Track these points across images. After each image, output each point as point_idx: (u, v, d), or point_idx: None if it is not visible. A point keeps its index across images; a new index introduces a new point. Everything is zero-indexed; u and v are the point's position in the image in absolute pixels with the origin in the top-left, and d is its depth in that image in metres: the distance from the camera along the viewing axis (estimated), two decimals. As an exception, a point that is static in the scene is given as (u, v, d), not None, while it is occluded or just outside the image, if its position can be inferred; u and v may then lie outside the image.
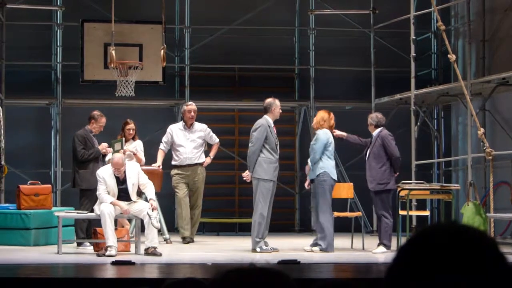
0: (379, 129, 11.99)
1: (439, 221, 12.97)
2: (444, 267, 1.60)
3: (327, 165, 11.77)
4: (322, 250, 11.59)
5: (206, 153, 13.68)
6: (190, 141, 13.48)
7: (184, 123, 13.59)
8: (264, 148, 11.68)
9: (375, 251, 11.61)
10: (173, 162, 13.56)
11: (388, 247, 11.58)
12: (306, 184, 12.26)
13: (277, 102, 11.93)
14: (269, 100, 11.97)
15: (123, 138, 13.06)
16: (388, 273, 1.66)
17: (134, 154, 13.03)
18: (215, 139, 13.70)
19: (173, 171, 13.56)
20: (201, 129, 13.61)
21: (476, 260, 1.61)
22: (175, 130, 13.60)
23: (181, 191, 13.45)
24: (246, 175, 11.79)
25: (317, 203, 11.79)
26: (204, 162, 13.50)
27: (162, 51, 13.30)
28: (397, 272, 1.65)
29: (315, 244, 11.76)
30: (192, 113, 13.56)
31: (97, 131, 12.65)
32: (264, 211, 11.58)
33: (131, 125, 13.35)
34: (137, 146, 13.31)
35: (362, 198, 15.26)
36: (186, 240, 13.26)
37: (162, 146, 13.65)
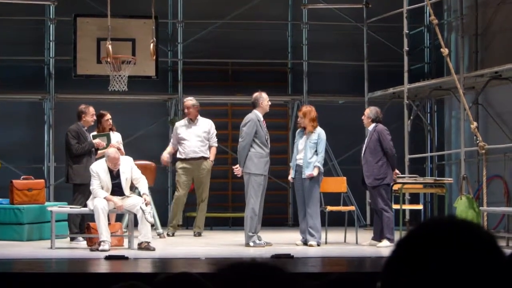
0: (375, 124, 11.91)
1: (437, 215, 12.99)
2: (442, 261, 1.60)
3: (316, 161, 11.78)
4: (318, 243, 11.60)
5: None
6: (194, 135, 13.49)
7: (188, 119, 13.63)
8: (254, 143, 11.66)
9: (380, 245, 11.53)
10: (178, 156, 13.57)
11: (391, 240, 11.51)
12: (290, 178, 12.13)
13: (263, 95, 11.89)
14: (255, 94, 11.94)
15: (109, 133, 12.95)
16: (387, 266, 1.67)
17: (119, 149, 12.95)
18: (213, 142, 13.67)
19: (178, 165, 13.56)
20: (207, 124, 13.64)
21: (474, 254, 1.61)
22: (179, 127, 13.66)
23: (182, 190, 13.49)
24: (237, 169, 11.78)
25: (311, 199, 11.68)
26: (209, 156, 13.54)
27: (151, 44, 13.28)
28: (396, 265, 1.65)
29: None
30: (187, 109, 13.59)
31: (89, 123, 12.59)
32: (255, 206, 11.57)
33: (108, 115, 13.20)
34: (118, 139, 13.23)
35: (355, 192, 15.27)
36: (165, 235, 13.30)
37: (170, 144, 13.75)
